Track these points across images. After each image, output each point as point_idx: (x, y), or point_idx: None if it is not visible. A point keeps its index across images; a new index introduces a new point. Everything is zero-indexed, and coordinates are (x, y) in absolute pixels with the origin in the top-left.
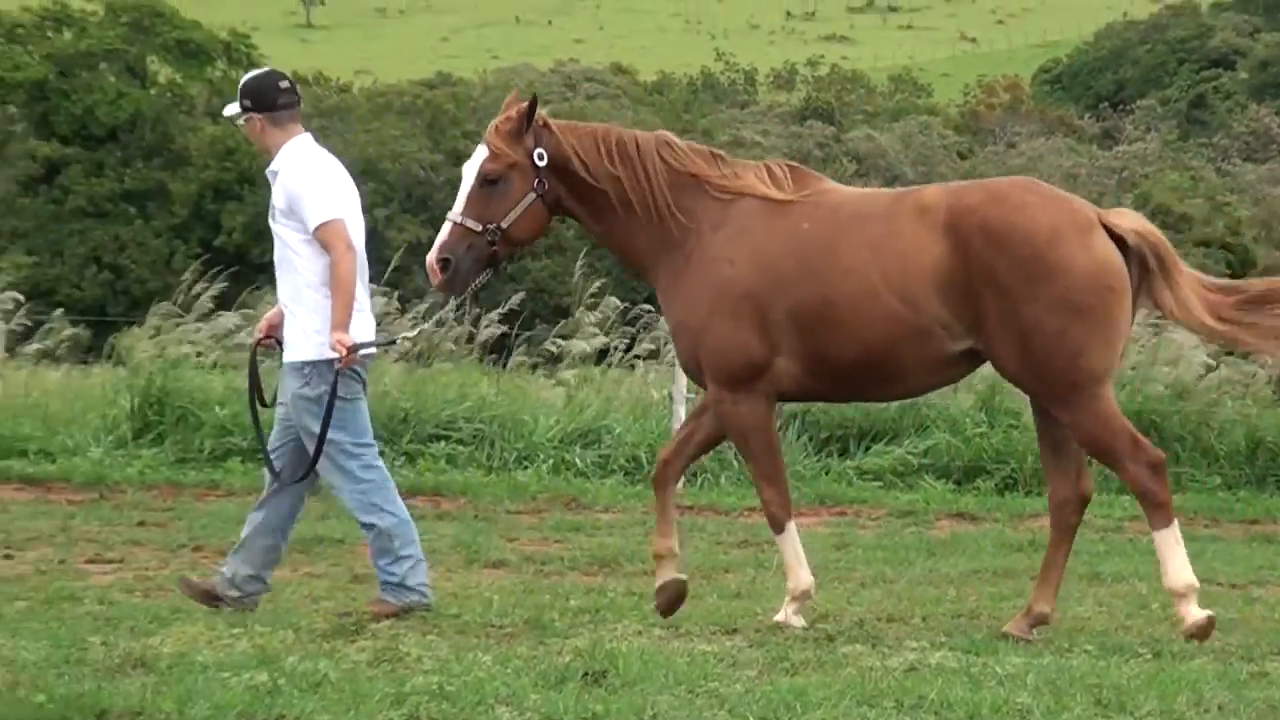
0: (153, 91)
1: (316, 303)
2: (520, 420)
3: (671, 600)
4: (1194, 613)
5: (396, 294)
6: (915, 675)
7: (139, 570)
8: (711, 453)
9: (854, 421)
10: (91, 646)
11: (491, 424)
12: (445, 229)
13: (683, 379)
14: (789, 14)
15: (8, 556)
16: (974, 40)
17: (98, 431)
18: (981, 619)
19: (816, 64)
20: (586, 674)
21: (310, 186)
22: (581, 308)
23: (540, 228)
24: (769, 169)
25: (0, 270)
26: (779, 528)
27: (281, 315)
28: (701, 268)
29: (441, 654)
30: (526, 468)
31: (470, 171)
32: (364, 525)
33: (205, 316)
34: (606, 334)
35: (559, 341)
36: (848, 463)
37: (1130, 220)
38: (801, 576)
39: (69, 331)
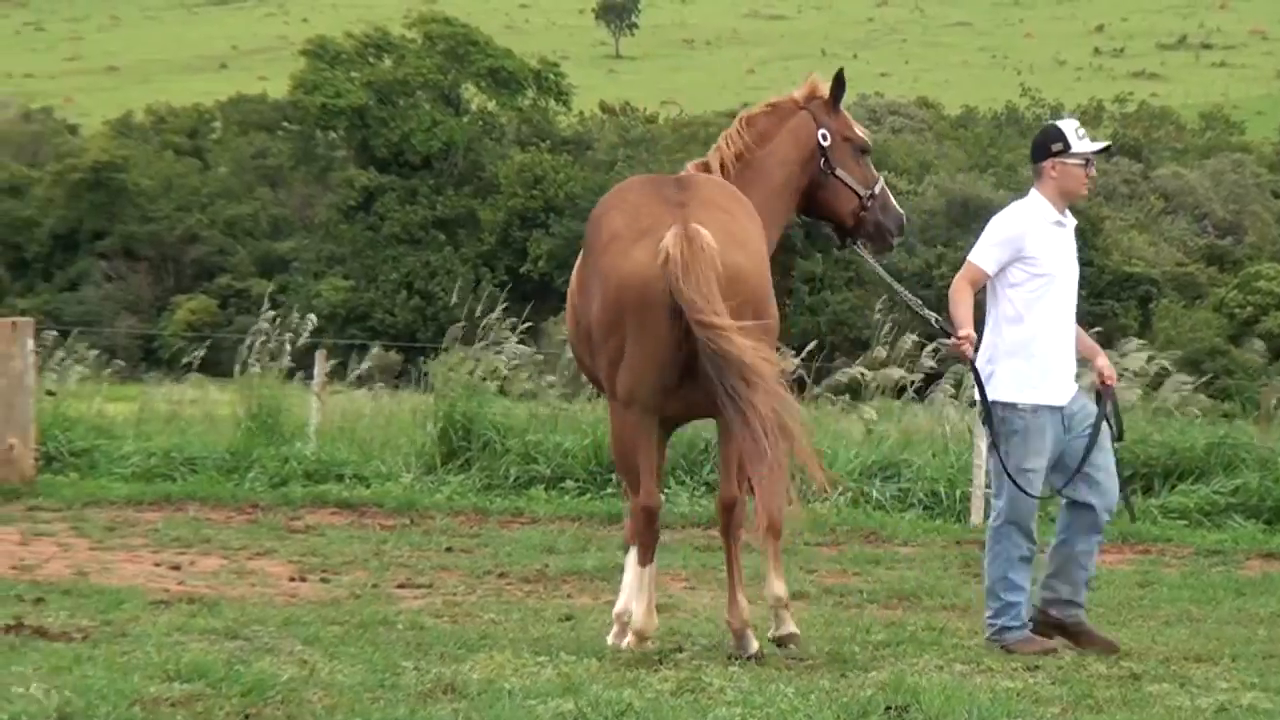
0: (465, 119)
1: None
2: (819, 452)
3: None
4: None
5: None
6: (1226, 716)
7: (447, 596)
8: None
9: (1159, 460)
10: (404, 671)
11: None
12: None
13: None
14: (1097, 50)
15: (325, 580)
16: None
17: (408, 457)
18: None
19: (1124, 101)
20: (889, 708)
21: None
22: (881, 343)
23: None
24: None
25: (320, 294)
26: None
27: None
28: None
29: (744, 685)
30: (826, 500)
31: None
32: None
33: (500, 344)
34: (908, 369)
35: (864, 372)
36: (1152, 501)
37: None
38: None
39: (374, 354)
